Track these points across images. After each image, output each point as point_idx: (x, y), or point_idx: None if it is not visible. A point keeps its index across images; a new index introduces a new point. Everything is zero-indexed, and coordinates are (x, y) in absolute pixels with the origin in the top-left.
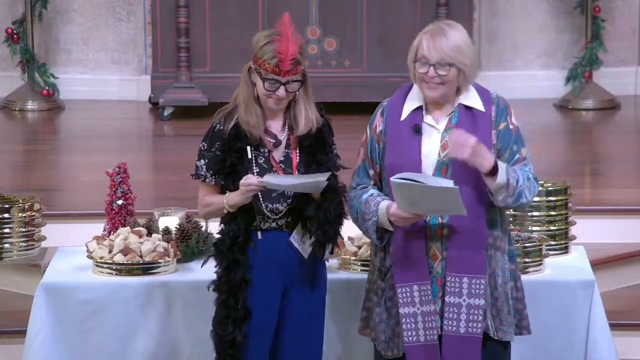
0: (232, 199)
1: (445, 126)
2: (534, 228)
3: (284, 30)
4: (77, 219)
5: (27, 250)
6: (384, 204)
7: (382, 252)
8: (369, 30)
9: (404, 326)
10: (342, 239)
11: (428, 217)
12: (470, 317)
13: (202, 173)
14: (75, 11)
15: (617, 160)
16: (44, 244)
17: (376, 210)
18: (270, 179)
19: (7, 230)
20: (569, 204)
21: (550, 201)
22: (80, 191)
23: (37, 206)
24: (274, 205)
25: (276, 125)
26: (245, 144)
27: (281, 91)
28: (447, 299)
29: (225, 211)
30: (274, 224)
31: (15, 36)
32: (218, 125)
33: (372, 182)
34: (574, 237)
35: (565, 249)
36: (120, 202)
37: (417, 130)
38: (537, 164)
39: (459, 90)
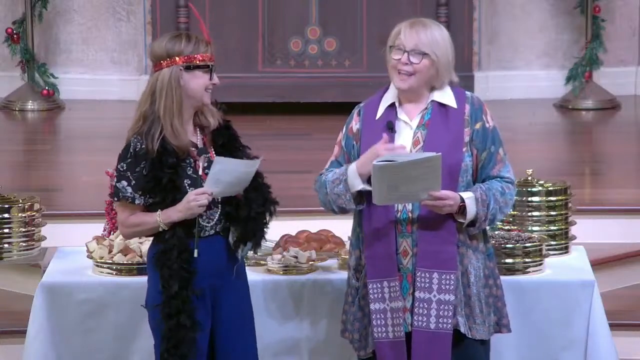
0: (170, 217)
1: (419, 123)
2: (534, 228)
3: (194, 13)
4: (77, 219)
5: (27, 250)
6: (352, 164)
7: (358, 251)
8: (369, 30)
9: (373, 322)
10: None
11: (399, 214)
12: (441, 313)
13: (128, 195)
14: (75, 11)
15: (617, 160)
16: (44, 244)
17: (345, 170)
18: (211, 178)
19: (7, 230)
20: (569, 204)
21: (550, 201)
22: (80, 191)
23: (37, 206)
24: (208, 212)
25: (190, 131)
26: (175, 157)
27: (215, 77)
28: (417, 294)
29: (160, 229)
30: (212, 231)
31: (15, 36)
32: (138, 144)
33: None
34: (574, 237)
35: (565, 249)
36: None
37: (391, 128)
38: (537, 164)
39: (433, 89)
